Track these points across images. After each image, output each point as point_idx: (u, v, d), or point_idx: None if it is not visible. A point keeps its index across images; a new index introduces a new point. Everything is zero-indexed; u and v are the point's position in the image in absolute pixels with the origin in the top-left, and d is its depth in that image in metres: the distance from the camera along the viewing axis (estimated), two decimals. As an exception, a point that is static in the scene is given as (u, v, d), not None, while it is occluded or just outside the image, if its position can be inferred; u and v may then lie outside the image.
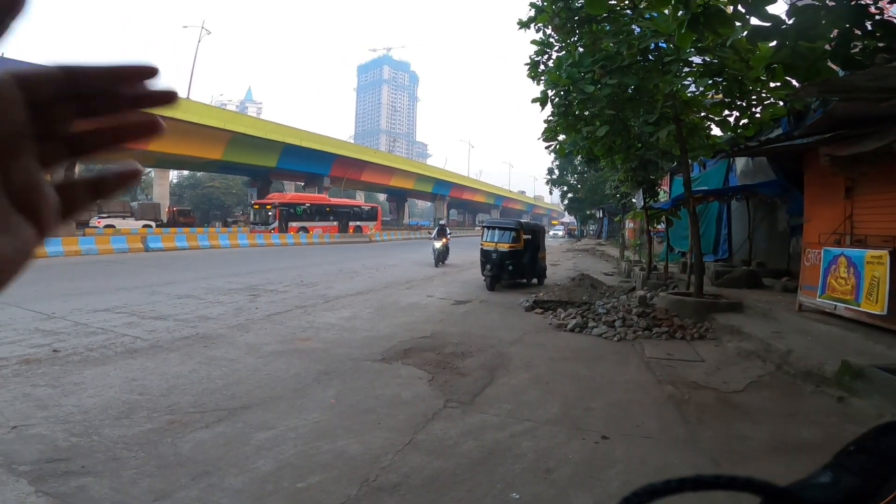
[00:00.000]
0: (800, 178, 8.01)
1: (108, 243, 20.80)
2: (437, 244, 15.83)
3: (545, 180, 40.75)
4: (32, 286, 10.37)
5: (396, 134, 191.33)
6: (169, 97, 0.29)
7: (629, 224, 22.38)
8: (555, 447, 3.33)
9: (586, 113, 8.05)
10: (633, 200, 18.50)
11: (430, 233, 23.69)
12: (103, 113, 0.28)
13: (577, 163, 36.18)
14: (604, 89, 6.81)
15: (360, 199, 73.80)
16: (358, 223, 38.19)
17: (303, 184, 48.37)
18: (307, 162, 40.94)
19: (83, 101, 0.27)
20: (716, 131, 8.52)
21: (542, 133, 8.89)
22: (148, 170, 58.55)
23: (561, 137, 8.97)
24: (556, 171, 38.99)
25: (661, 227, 11.94)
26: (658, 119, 7.66)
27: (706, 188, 11.33)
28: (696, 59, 7.07)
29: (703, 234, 11.85)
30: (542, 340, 6.41)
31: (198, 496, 2.48)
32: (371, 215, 40.87)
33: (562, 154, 9.77)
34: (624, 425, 3.74)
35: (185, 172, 68.12)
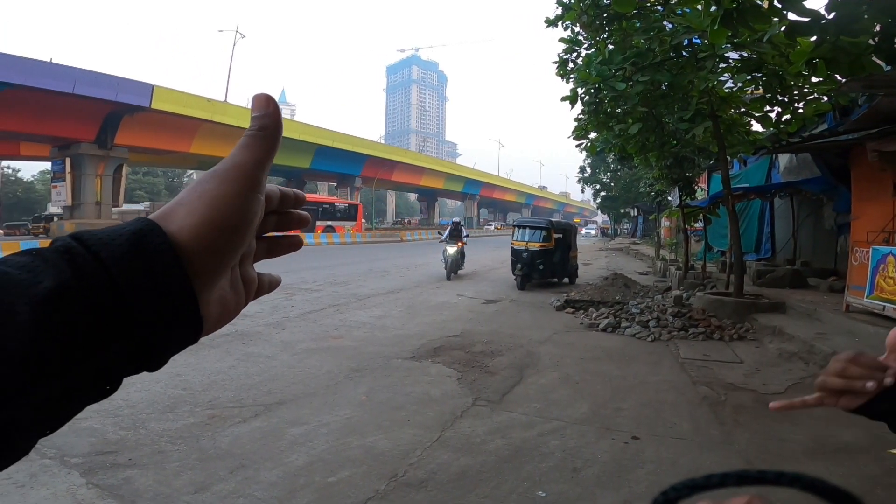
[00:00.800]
0: (846, 175, 7.67)
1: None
2: (450, 249, 11.75)
3: (577, 178, 40.17)
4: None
5: (426, 134, 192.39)
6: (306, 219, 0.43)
7: (665, 222, 21.86)
8: (583, 447, 3.33)
9: (618, 111, 7.91)
10: (669, 198, 18.17)
11: (440, 233, 17.33)
12: (283, 217, 0.40)
13: (609, 161, 35.67)
14: (636, 86, 6.69)
15: (391, 199, 74.46)
16: (330, 223, 32.35)
17: (335, 184, 49.39)
18: (339, 163, 41.72)
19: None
20: (756, 127, 8.24)
21: (573, 131, 8.80)
22: (189, 172, 61.42)
23: (592, 136, 8.86)
24: (588, 170, 38.36)
25: (699, 225, 11.60)
26: (694, 115, 7.47)
27: (747, 185, 10.98)
28: (734, 55, 6.85)
29: (745, 233, 11.68)
30: (573, 340, 6.37)
31: (234, 489, 2.61)
32: (349, 214, 35.06)
33: (593, 152, 9.64)
34: (655, 426, 3.70)
35: (225, 174, 70.27)
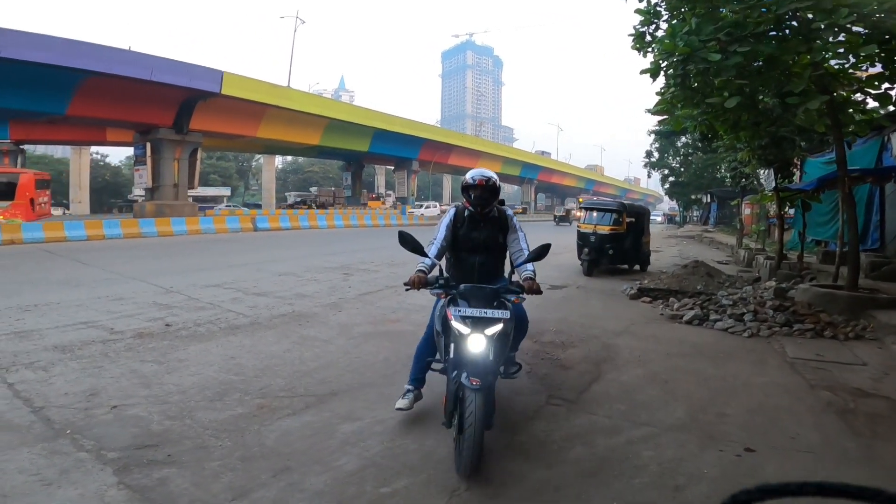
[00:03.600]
0: None
1: (224, 223, 22.67)
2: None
3: (643, 163, 38.21)
4: (159, 261, 11.41)
5: (481, 118, 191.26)
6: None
7: (746, 209, 20.22)
8: (684, 459, 2.77)
9: (707, 87, 7.05)
10: (757, 182, 16.72)
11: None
12: None
13: (679, 145, 33.90)
14: (732, 58, 5.81)
15: (447, 183, 73.89)
16: None
17: (392, 168, 49.90)
18: (397, 146, 41.91)
19: None
20: (871, 105, 7.12)
21: (655, 105, 8.05)
22: (257, 157, 63.98)
23: (677, 112, 7.99)
24: (656, 154, 36.66)
25: (791, 212, 10.38)
26: (804, 92, 6.47)
27: (858, 168, 9.62)
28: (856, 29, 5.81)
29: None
30: (654, 332, 5.69)
31: (276, 497, 2.28)
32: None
33: (677, 128, 8.73)
34: (772, 436, 3.07)
35: (289, 158, 73.04)
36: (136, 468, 2.50)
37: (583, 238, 11.00)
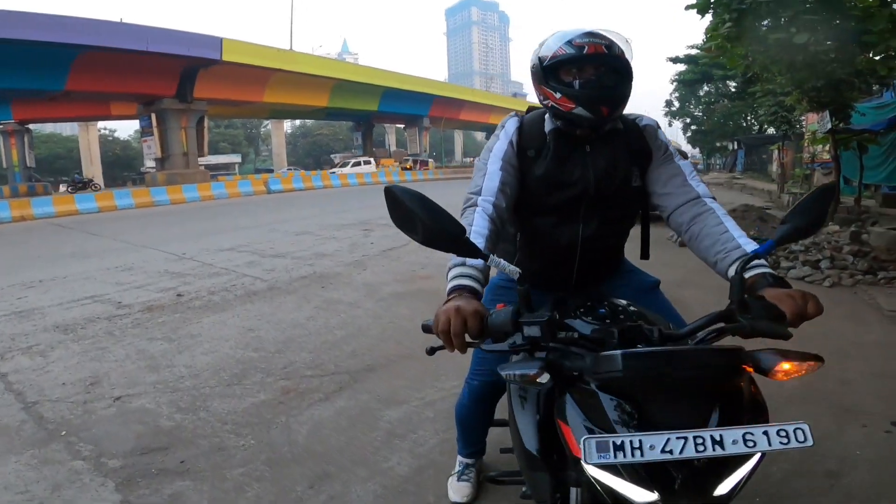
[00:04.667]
0: None
1: (236, 187, 22.29)
2: None
3: (662, 112, 37.22)
4: (171, 228, 10.98)
5: (490, 75, 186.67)
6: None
7: (780, 155, 19.40)
8: (823, 438, 2.19)
9: (767, 21, 6.45)
10: (800, 127, 16.29)
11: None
12: None
13: (701, 94, 33.01)
14: None
15: (459, 139, 72.28)
16: None
17: (403, 126, 49.44)
18: (406, 104, 41.39)
19: None
20: None
21: (707, 41, 7.67)
22: (266, 123, 63.03)
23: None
24: (676, 103, 36.19)
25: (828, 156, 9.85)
26: (881, 31, 5.73)
27: None
28: None
29: None
30: (720, 282, 4.94)
31: (315, 520, 1.76)
32: None
33: (732, 66, 8.22)
34: (918, 407, 2.47)
35: (297, 123, 72.08)
36: (142, 480, 2.00)
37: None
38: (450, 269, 1.07)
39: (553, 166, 1.32)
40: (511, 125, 1.37)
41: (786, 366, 0.84)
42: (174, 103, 26.84)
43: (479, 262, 1.03)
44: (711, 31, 7.22)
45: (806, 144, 15.00)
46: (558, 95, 1.23)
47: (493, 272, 1.24)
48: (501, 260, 0.95)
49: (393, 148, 54.08)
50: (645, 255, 1.59)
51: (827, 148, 10.04)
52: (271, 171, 47.39)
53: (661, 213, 1.35)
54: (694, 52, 25.23)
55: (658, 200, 1.35)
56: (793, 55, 6.79)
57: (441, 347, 0.97)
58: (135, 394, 2.85)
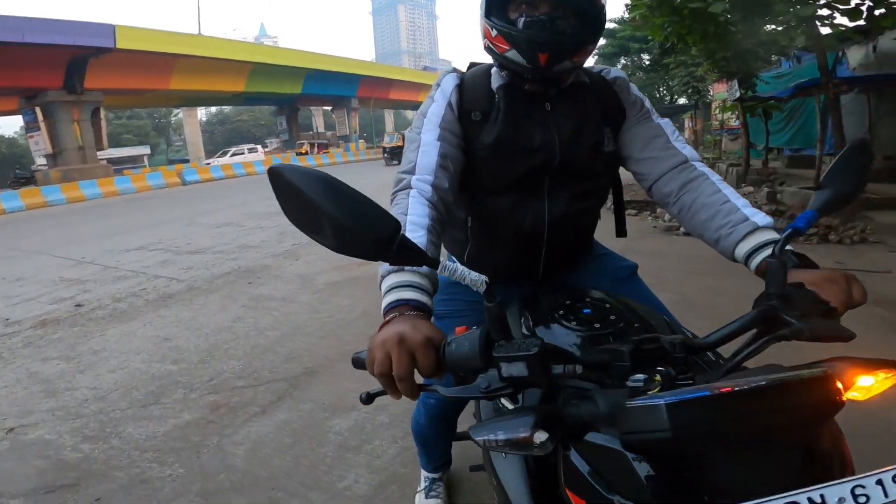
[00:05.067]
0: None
1: (145, 180, 20.59)
2: None
3: None
4: (68, 230, 9.79)
5: (419, 53, 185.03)
6: None
7: (691, 123, 20.99)
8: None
9: None
10: (709, 96, 17.67)
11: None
12: None
13: (619, 66, 34.57)
14: None
15: (389, 118, 71.60)
16: None
17: (330, 108, 49.19)
18: (332, 85, 40.92)
19: None
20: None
21: (631, 11, 8.25)
22: (176, 112, 58.74)
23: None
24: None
25: (737, 123, 10.74)
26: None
27: (801, 81, 9.88)
28: None
29: (803, 128, 11.30)
30: (657, 247, 5.12)
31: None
32: None
33: (655, 36, 8.44)
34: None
35: (213, 110, 68.17)
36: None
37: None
38: (383, 276, 0.79)
39: (507, 130, 1.03)
40: (448, 83, 1.07)
41: (866, 380, 0.61)
42: (62, 95, 24.45)
43: (419, 271, 0.77)
44: (635, 1, 7.54)
45: (715, 112, 16.20)
46: (494, 33, 0.97)
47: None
48: (459, 265, 0.66)
49: (321, 130, 52.69)
50: (621, 231, 1.33)
51: (735, 115, 10.77)
52: (186, 161, 44.46)
53: (640, 182, 1.09)
54: (612, 25, 25.99)
55: (637, 167, 1.08)
56: (706, 25, 7.14)
57: (382, 393, 0.69)
58: (30, 424, 2.37)
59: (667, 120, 1.12)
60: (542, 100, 1.05)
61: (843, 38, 7.09)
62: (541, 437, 0.57)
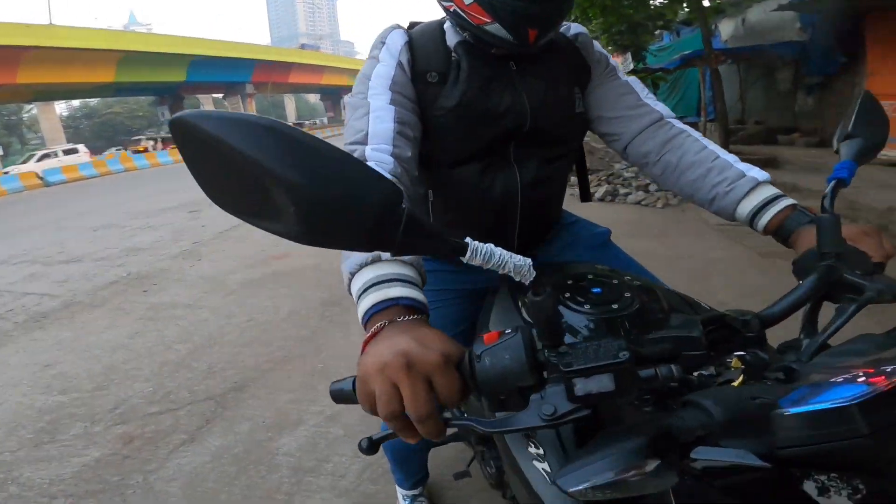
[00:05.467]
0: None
1: (-3, 186, 17.56)
2: None
3: None
4: None
5: (318, 35, 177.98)
6: None
7: None
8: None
9: None
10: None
11: None
12: None
13: None
14: None
15: (290, 103, 68.24)
16: None
17: (222, 95, 46.36)
18: (222, 71, 39.16)
19: None
20: None
21: None
22: (29, 107, 51.02)
23: None
24: None
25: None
26: None
27: (686, 52, 10.99)
28: None
29: (683, 97, 12.40)
30: (580, 213, 5.28)
31: None
32: None
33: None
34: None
35: (76, 103, 60.72)
36: None
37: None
38: (353, 273, 0.61)
39: (470, 92, 0.89)
40: (395, 40, 0.90)
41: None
42: None
43: (405, 261, 0.61)
44: None
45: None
46: (468, 1, 0.81)
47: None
48: (497, 248, 0.45)
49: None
50: (586, 196, 1.25)
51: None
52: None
53: (612, 143, 1.03)
54: None
55: (608, 127, 1.00)
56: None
57: (390, 436, 0.51)
58: None
59: (634, 77, 1.03)
60: (505, 58, 0.92)
61: (719, 10, 7.91)
62: (651, 465, 0.41)
